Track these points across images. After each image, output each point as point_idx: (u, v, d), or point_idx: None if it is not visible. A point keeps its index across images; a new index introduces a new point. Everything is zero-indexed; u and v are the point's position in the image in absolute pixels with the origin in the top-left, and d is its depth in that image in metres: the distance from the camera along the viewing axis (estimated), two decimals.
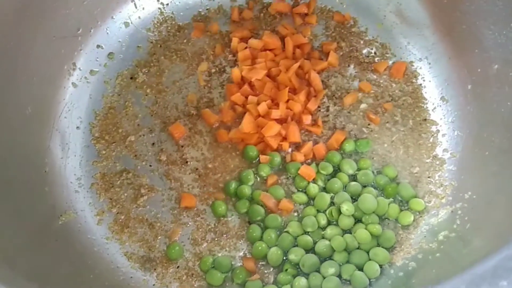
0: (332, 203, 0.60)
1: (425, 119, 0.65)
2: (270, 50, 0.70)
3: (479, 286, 0.28)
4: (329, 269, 0.55)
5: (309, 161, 0.63)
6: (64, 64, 0.67)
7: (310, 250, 0.58)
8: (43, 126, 0.63)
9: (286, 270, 0.57)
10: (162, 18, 0.74)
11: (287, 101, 0.65)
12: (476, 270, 0.29)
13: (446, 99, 0.65)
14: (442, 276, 0.40)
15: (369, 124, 0.65)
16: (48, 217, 0.57)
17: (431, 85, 0.67)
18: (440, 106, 0.65)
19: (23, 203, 0.55)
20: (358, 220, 0.59)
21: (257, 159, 0.64)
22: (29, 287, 0.39)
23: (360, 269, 0.55)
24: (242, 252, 0.60)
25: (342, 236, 0.57)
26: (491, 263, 0.29)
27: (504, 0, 0.55)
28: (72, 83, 0.67)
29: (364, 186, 0.60)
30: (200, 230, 0.61)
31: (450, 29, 0.64)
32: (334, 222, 0.59)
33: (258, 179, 0.63)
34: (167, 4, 0.74)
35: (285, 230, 0.59)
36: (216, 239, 0.60)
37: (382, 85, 0.68)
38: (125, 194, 0.63)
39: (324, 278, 0.55)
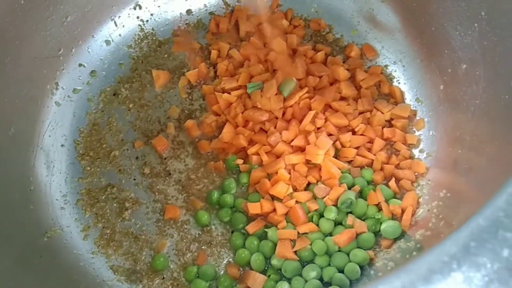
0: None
1: None
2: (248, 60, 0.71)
3: (414, 282, 0.29)
4: (311, 272, 0.56)
5: None
6: (46, 84, 0.68)
7: None
8: (27, 146, 0.64)
9: (269, 276, 0.58)
10: (142, 35, 0.75)
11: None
12: (413, 267, 0.29)
13: (420, 100, 0.66)
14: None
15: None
16: (33, 234, 0.58)
17: (406, 87, 0.68)
18: (416, 107, 0.67)
19: (7, 222, 0.56)
20: (338, 223, 0.60)
21: (238, 168, 0.65)
22: None
23: (341, 271, 0.56)
24: (226, 260, 0.61)
25: (323, 239, 0.58)
26: (427, 259, 0.30)
27: (467, 1, 0.56)
28: (56, 102, 0.69)
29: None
30: (185, 240, 0.62)
31: (420, 32, 0.65)
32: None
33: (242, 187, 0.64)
34: (147, 21, 0.76)
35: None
36: (200, 248, 0.61)
37: None
38: (110, 209, 0.64)
39: (306, 281, 0.56)
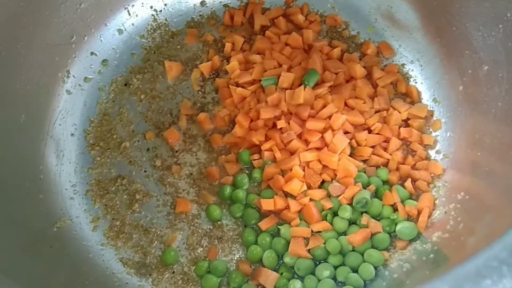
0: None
1: None
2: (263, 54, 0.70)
3: (463, 287, 0.28)
4: (324, 271, 0.55)
5: None
6: (58, 71, 0.67)
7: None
8: (38, 134, 0.63)
9: (282, 273, 0.57)
10: (155, 25, 0.74)
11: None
12: (460, 271, 0.29)
13: (438, 101, 0.66)
14: (436, 277, 0.40)
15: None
16: (43, 224, 0.58)
17: (423, 87, 0.67)
18: (432, 107, 0.66)
19: (18, 210, 0.55)
20: (352, 223, 0.59)
21: (251, 163, 0.64)
22: None
23: (355, 271, 0.56)
24: (238, 256, 0.60)
25: (337, 238, 0.57)
26: (474, 263, 0.29)
27: (491, 1, 0.55)
28: (67, 90, 0.68)
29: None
30: (195, 235, 0.61)
31: (441, 31, 0.64)
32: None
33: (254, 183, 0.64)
34: (161, 11, 0.75)
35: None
36: (211, 243, 0.61)
37: None
38: (120, 200, 0.63)
39: (319, 280, 0.55)
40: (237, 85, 0.68)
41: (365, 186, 0.60)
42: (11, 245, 0.51)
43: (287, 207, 0.60)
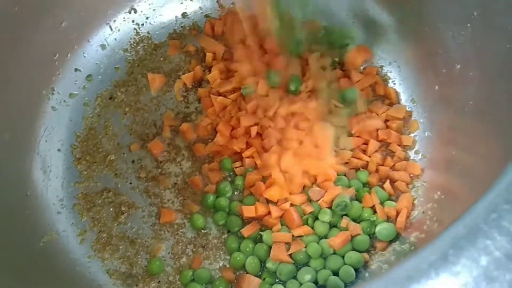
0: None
1: None
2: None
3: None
4: (306, 275, 0.56)
5: None
6: (42, 89, 0.68)
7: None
8: (24, 151, 0.64)
9: (264, 279, 0.58)
10: (138, 38, 0.76)
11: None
12: (391, 275, 0.29)
13: (415, 101, 0.66)
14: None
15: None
16: (30, 239, 0.59)
17: (401, 88, 0.68)
18: (411, 108, 0.66)
19: (4, 227, 0.56)
20: (332, 226, 0.60)
21: (233, 171, 0.65)
22: None
23: (336, 273, 0.56)
24: (222, 263, 0.61)
25: (318, 242, 0.58)
26: (405, 267, 0.30)
27: (460, 1, 0.56)
28: (52, 107, 0.69)
29: None
30: (180, 244, 0.62)
31: (415, 32, 0.65)
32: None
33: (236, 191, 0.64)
34: (142, 25, 0.76)
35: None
36: (196, 251, 0.62)
37: None
38: (107, 213, 0.65)
39: (301, 284, 0.56)
40: (219, 94, 0.69)
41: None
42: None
43: (269, 213, 0.60)
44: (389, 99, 0.67)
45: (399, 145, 0.63)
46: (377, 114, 0.65)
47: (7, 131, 0.62)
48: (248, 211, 0.60)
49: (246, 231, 0.60)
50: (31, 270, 0.55)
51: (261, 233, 0.60)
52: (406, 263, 0.30)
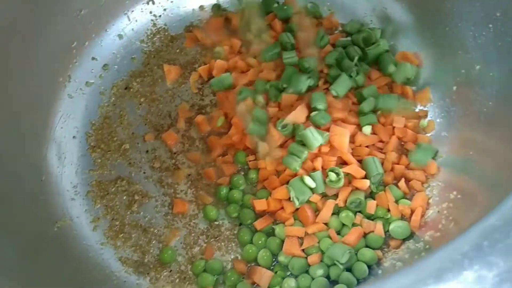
0: None
1: None
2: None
3: (425, 280, 0.28)
4: (318, 270, 0.56)
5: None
6: (59, 76, 0.69)
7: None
8: (40, 137, 0.65)
9: (276, 272, 0.58)
10: (155, 30, 0.76)
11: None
12: (424, 265, 0.29)
13: (432, 101, 0.66)
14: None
15: None
16: (44, 224, 0.59)
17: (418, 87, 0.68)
18: (427, 107, 0.66)
19: (19, 211, 0.56)
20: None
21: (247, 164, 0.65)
22: None
23: (348, 270, 0.56)
24: (234, 255, 0.61)
25: (330, 237, 0.58)
26: (439, 257, 0.30)
27: (481, 1, 0.55)
28: (68, 94, 0.69)
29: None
30: (192, 234, 0.63)
31: (434, 32, 0.65)
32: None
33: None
34: (160, 16, 0.76)
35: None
36: (208, 242, 0.62)
37: None
38: (120, 201, 0.65)
39: (313, 279, 0.56)
40: (234, 87, 0.69)
41: None
42: (12, 246, 0.52)
43: (282, 208, 0.61)
44: (406, 98, 0.67)
45: (414, 144, 0.63)
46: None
47: (25, 116, 0.62)
48: (260, 204, 0.60)
49: (259, 224, 0.60)
50: (45, 254, 0.56)
51: (273, 226, 0.60)
52: (437, 254, 0.30)
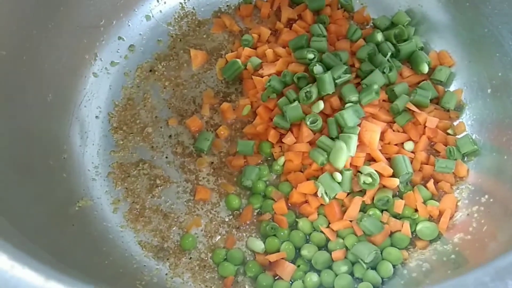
0: None
1: None
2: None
3: (504, 278, 0.28)
4: (342, 267, 0.55)
5: None
6: (86, 54, 0.68)
7: (323, 247, 0.58)
8: (64, 114, 0.64)
9: (299, 266, 0.57)
10: (183, 13, 0.75)
11: None
12: (499, 263, 0.28)
13: (465, 103, 0.65)
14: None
15: None
16: (66, 202, 0.58)
17: (451, 88, 0.66)
18: (459, 109, 0.65)
19: (42, 186, 0.56)
20: None
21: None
22: (49, 260, 0.40)
23: (373, 268, 0.55)
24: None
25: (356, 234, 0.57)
26: (501, 263, 0.29)
27: None
28: (93, 73, 0.68)
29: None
30: (214, 222, 0.62)
31: (471, 32, 0.64)
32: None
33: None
34: (189, 0, 0.75)
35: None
36: (229, 232, 0.61)
37: None
38: (141, 184, 0.64)
39: (336, 275, 0.55)
40: (262, 77, 0.68)
41: None
42: (37, 218, 0.52)
43: (306, 202, 0.60)
44: (437, 98, 0.65)
45: (445, 145, 0.62)
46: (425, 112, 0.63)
47: (51, 92, 0.61)
48: (280, 209, 0.59)
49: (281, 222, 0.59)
50: (67, 231, 0.55)
51: (297, 220, 0.59)
52: (496, 262, 0.29)
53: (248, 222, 0.61)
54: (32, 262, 0.37)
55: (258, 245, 0.58)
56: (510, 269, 0.28)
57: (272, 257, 0.56)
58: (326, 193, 0.57)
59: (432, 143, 0.63)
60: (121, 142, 0.67)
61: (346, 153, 0.56)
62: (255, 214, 0.62)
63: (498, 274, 0.28)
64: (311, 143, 0.61)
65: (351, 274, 0.55)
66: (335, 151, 0.56)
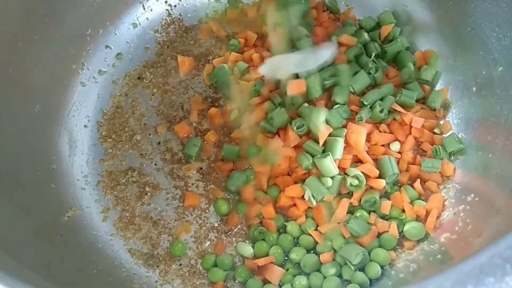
0: None
1: None
2: None
3: (465, 284, 0.28)
4: (330, 269, 0.55)
5: None
6: (73, 63, 0.68)
7: (311, 250, 0.58)
8: (52, 124, 0.64)
9: (287, 269, 0.57)
10: (169, 20, 0.75)
11: None
12: (463, 268, 0.29)
13: (450, 101, 0.65)
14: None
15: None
16: (54, 212, 0.59)
17: (437, 87, 0.66)
18: (445, 108, 0.65)
19: (30, 198, 0.56)
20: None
21: None
22: (34, 279, 0.40)
23: (361, 269, 0.55)
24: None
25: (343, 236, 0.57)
26: (478, 261, 0.29)
27: (507, 2, 0.54)
28: (81, 82, 0.69)
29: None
30: (203, 228, 0.62)
31: (456, 32, 0.64)
32: None
33: None
34: (175, 6, 0.75)
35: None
36: (218, 237, 0.61)
37: None
38: (131, 192, 0.64)
39: (325, 278, 0.55)
40: (249, 81, 0.68)
41: None
42: (23, 231, 0.52)
43: (294, 205, 0.60)
44: (423, 98, 0.66)
45: (431, 145, 0.62)
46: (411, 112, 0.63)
47: (38, 102, 0.62)
48: (268, 213, 0.60)
49: (269, 225, 0.59)
50: (55, 242, 0.55)
51: (285, 223, 0.60)
52: (477, 258, 0.29)
53: (237, 227, 0.62)
54: (16, 284, 0.36)
55: (248, 249, 0.58)
56: (472, 274, 0.28)
57: (261, 261, 0.57)
58: (313, 196, 0.57)
59: (418, 143, 0.63)
60: (110, 151, 0.67)
61: (332, 166, 0.56)
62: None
63: (459, 281, 0.28)
64: (298, 146, 0.61)
65: (340, 276, 0.56)
66: (322, 166, 0.57)
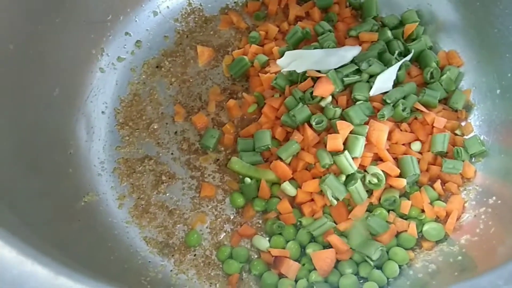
0: None
1: None
2: None
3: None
4: (347, 269, 0.55)
5: None
6: (92, 49, 0.67)
7: (328, 246, 0.58)
8: (70, 109, 0.64)
9: (303, 264, 0.57)
10: (190, 9, 0.74)
11: None
12: (495, 274, 0.28)
13: (473, 103, 0.64)
14: (463, 280, 0.39)
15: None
16: (72, 197, 0.58)
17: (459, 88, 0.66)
18: (467, 110, 0.64)
19: (48, 181, 0.56)
20: None
21: None
22: (56, 255, 0.40)
23: (379, 267, 0.55)
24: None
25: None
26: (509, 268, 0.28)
27: None
28: (100, 68, 0.68)
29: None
30: (219, 220, 0.62)
31: (481, 32, 0.63)
32: None
33: None
34: None
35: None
36: (234, 229, 0.61)
37: None
38: (147, 180, 0.64)
39: (341, 275, 0.55)
40: (266, 73, 0.68)
41: None
42: (44, 212, 0.52)
43: (312, 200, 0.59)
44: (445, 98, 0.65)
45: (453, 146, 0.62)
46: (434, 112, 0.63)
47: (57, 86, 0.61)
48: (284, 208, 0.59)
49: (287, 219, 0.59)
50: (73, 226, 0.55)
51: (300, 219, 0.59)
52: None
53: (253, 220, 0.61)
54: (41, 258, 0.36)
55: (264, 243, 0.58)
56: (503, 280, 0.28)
57: (275, 252, 0.56)
58: (334, 197, 0.56)
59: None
60: (127, 138, 0.66)
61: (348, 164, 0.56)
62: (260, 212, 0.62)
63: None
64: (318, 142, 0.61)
65: (356, 274, 0.55)
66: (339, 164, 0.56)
